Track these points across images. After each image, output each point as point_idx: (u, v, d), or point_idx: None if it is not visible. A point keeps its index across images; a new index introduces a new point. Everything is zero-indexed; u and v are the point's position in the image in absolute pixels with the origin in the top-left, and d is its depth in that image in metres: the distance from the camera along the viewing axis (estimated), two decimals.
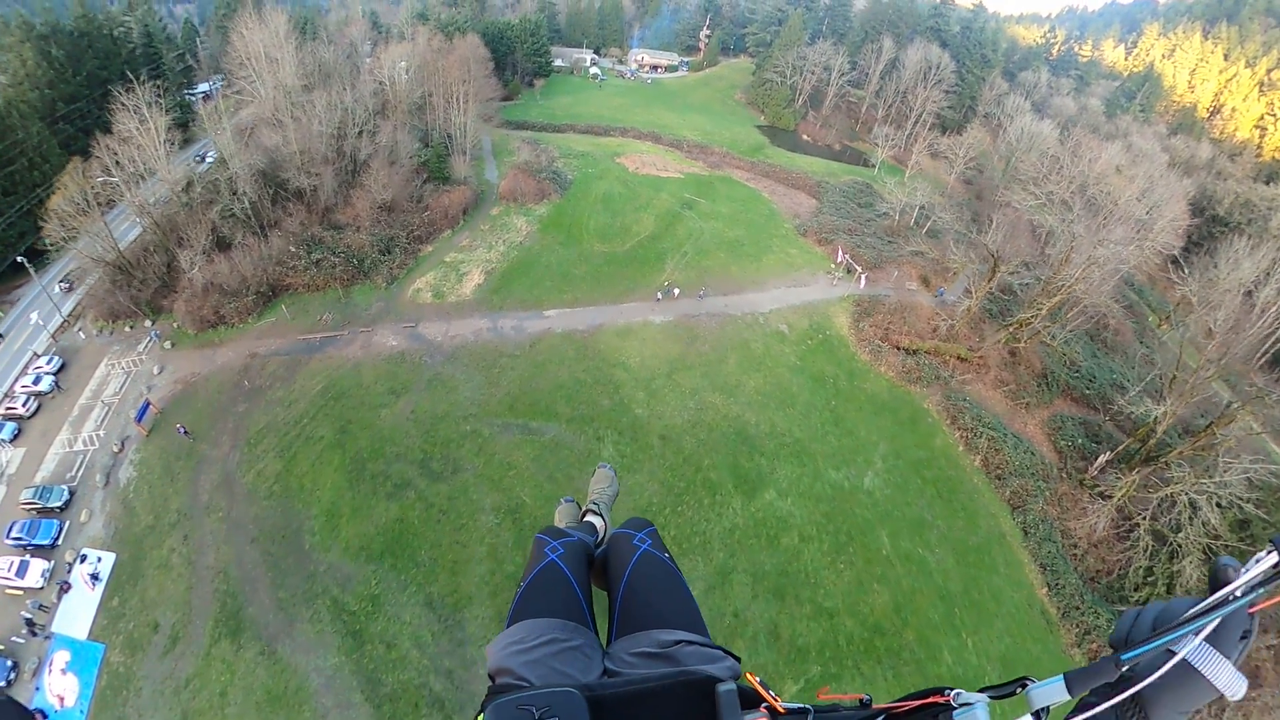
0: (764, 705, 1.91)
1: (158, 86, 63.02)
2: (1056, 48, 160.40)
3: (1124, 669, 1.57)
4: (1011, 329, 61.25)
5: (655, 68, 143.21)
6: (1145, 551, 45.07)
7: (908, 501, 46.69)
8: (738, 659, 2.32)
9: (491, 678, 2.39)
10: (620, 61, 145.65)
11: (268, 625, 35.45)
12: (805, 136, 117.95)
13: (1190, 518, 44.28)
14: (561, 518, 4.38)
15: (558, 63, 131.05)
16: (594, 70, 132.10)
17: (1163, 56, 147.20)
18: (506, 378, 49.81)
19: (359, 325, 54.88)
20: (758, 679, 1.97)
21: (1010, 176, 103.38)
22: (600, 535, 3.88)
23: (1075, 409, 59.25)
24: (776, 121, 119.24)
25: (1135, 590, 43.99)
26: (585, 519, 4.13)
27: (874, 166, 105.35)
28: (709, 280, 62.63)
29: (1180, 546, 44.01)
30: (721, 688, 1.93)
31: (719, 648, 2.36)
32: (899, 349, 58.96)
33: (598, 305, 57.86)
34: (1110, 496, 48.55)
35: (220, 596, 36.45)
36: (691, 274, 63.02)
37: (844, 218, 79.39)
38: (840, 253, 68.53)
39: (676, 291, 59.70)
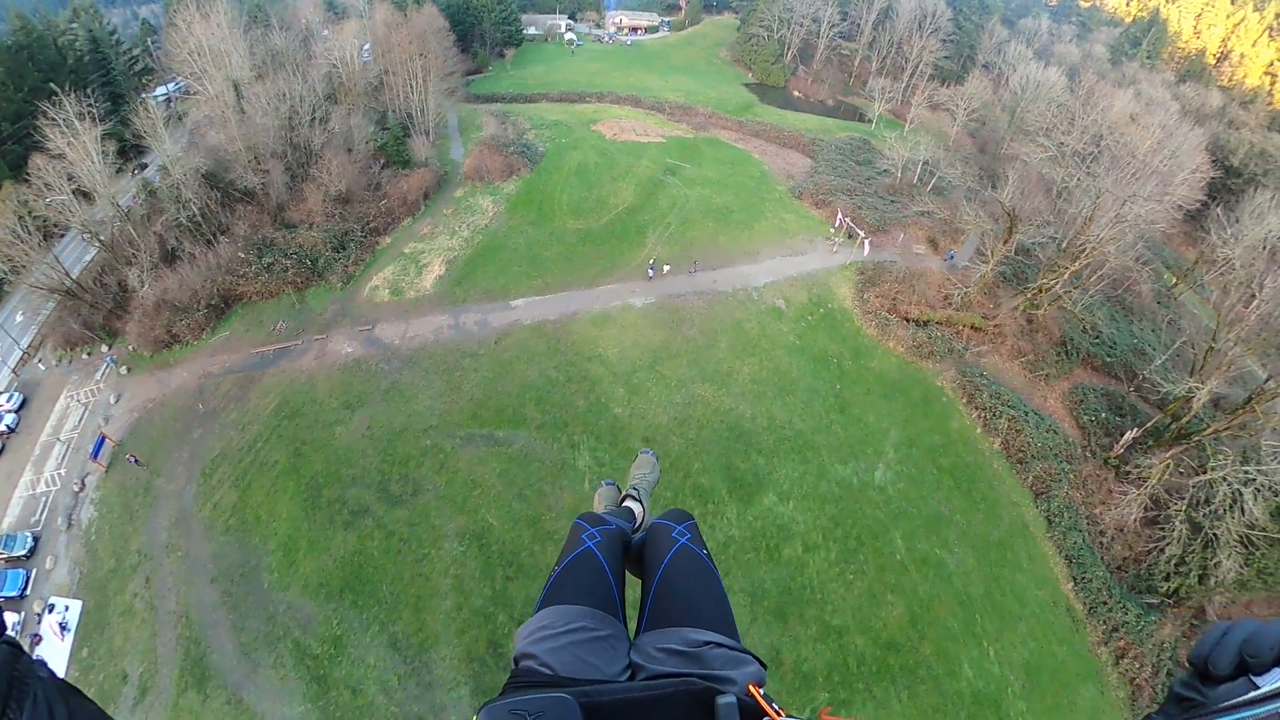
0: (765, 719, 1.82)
1: (90, 95, 57.72)
2: None
3: None
4: (1030, 295, 55.06)
5: (635, 30, 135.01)
6: (1179, 540, 40.27)
7: (924, 496, 41.54)
8: (764, 665, 2.18)
9: (515, 661, 2.24)
10: (598, 25, 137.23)
11: (232, 672, 32.58)
12: (796, 93, 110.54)
13: (1231, 506, 39.35)
14: (601, 500, 4.15)
15: (530, 30, 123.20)
16: (569, 36, 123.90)
17: (1167, 1, 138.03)
18: (469, 381, 44.41)
19: (313, 332, 49.80)
20: (761, 692, 1.90)
21: (1017, 128, 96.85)
22: (638, 521, 3.73)
23: (1097, 379, 54.07)
24: (765, 79, 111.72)
25: (1165, 580, 39.84)
26: (624, 504, 3.96)
27: (871, 121, 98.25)
28: (695, 253, 56.35)
29: (1216, 536, 39.22)
30: (721, 700, 1.81)
31: (747, 652, 2.22)
32: (908, 321, 53.12)
33: (571, 290, 51.83)
34: (1139, 478, 43.68)
35: (184, 643, 33.59)
36: (676, 248, 56.69)
37: (842, 177, 72.57)
38: (840, 216, 61.94)
39: (666, 269, 53.27)
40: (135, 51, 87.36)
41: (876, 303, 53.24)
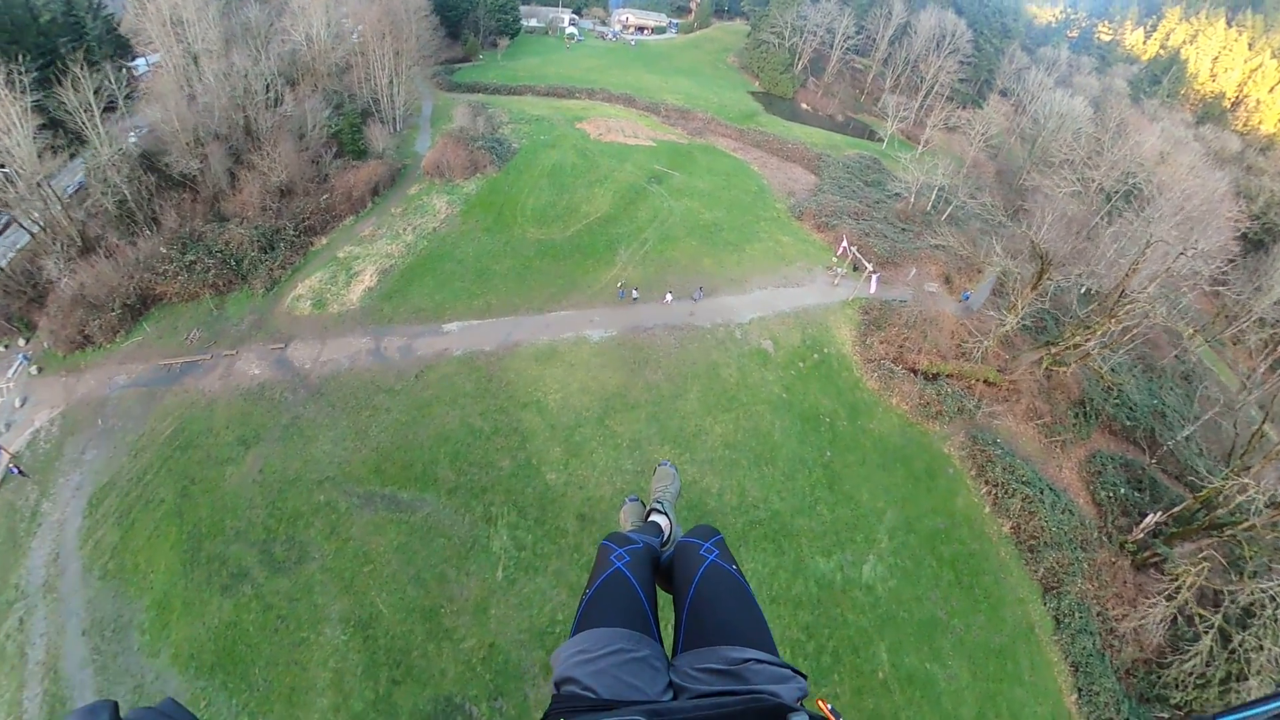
0: None
1: (59, 61, 51.84)
2: (1078, 25, 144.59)
3: None
4: (1056, 351, 46.43)
5: (641, 29, 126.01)
6: (1204, 655, 33.21)
7: (919, 596, 33.61)
8: (804, 676, 2.10)
9: (556, 686, 2.16)
10: (603, 23, 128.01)
11: None
12: (805, 105, 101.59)
13: (1274, 628, 32.35)
14: (627, 517, 4.10)
15: (531, 22, 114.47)
16: (570, 30, 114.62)
17: (1184, 42, 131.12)
18: (379, 424, 36.07)
19: (225, 346, 41.95)
20: (828, 705, 1.82)
21: (1038, 158, 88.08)
22: (665, 535, 3.53)
23: (1115, 444, 46.46)
24: (773, 88, 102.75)
25: (1178, 689, 33.18)
26: (650, 518, 3.81)
27: (882, 140, 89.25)
28: (672, 277, 46.93)
29: (1249, 660, 32.38)
30: (794, 717, 1.72)
31: (788, 666, 2.11)
32: (915, 373, 44.68)
33: (517, 315, 42.86)
34: (1158, 569, 37.41)
35: (49, 700, 28.32)
36: (650, 269, 47.71)
37: (848, 198, 63.55)
38: (845, 244, 52.84)
39: (635, 293, 43.99)
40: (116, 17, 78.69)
41: (881, 349, 44.32)
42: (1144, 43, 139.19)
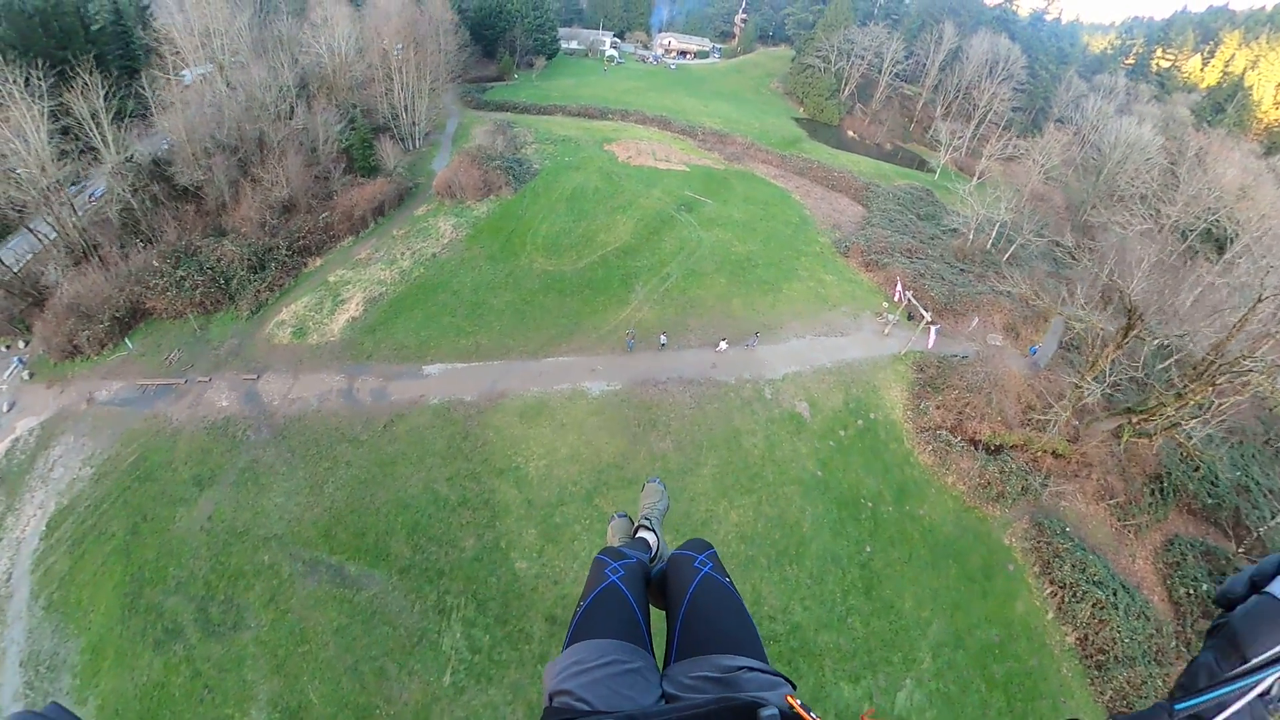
0: None
1: (109, 70, 51.46)
2: (1135, 51, 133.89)
3: (1179, 718, 1.50)
4: (1137, 420, 37.85)
5: (684, 53, 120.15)
6: None
7: None
8: (794, 685, 2.05)
9: (550, 698, 2.09)
10: (645, 46, 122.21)
11: None
12: (851, 133, 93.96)
13: None
14: (615, 533, 3.93)
15: (572, 45, 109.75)
16: (610, 53, 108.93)
17: (1246, 68, 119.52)
18: (336, 479, 30.55)
19: (201, 371, 37.52)
20: (799, 702, 1.79)
21: (1104, 191, 78.71)
22: (654, 551, 3.48)
23: (1194, 526, 37.76)
24: (818, 115, 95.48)
25: None
26: (637, 535, 3.69)
27: (934, 171, 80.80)
28: (694, 319, 39.64)
29: None
30: (764, 712, 1.67)
31: (779, 674, 2.09)
32: (975, 444, 36.62)
33: (507, 358, 36.37)
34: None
35: None
36: (669, 310, 40.60)
37: (900, 232, 55.60)
38: (899, 288, 44.79)
39: (663, 338, 37.32)
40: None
41: (937, 416, 36.44)
42: (1201, 69, 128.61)
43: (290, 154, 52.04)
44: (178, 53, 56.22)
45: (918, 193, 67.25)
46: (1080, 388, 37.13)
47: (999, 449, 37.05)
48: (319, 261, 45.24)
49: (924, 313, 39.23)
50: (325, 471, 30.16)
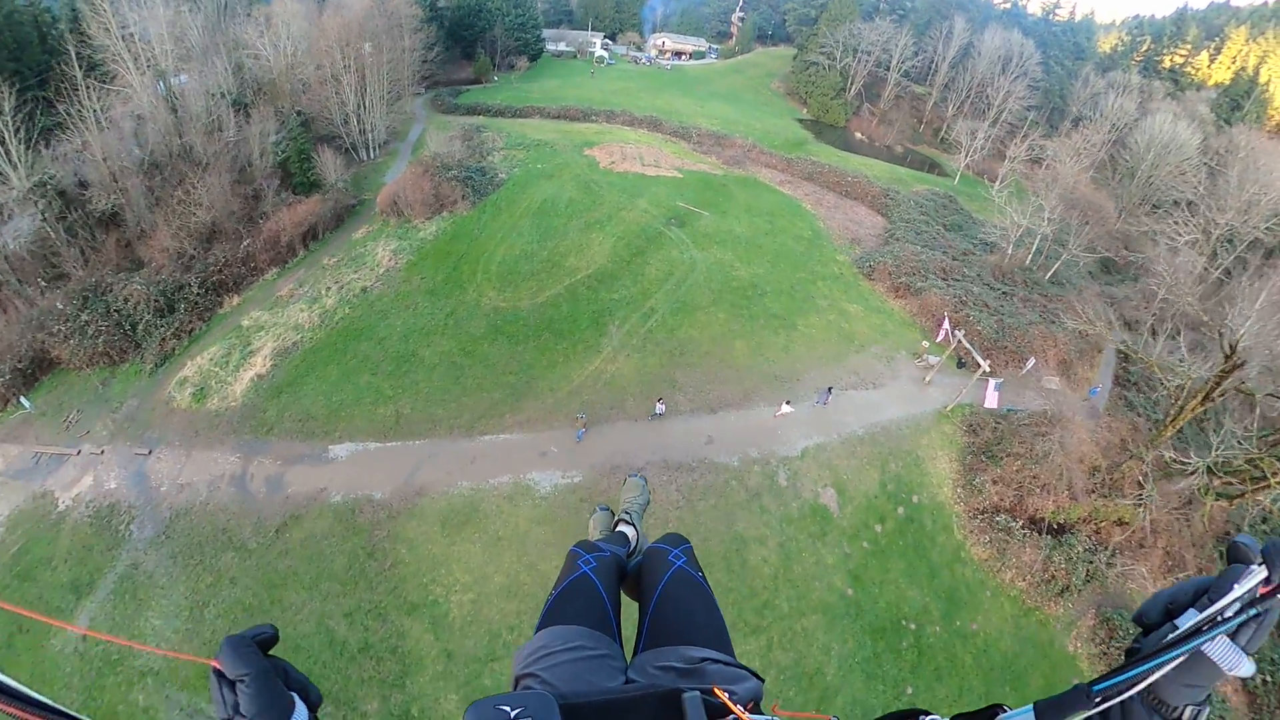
0: (731, 717, 1.71)
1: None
2: (1145, 49, 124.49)
3: (1097, 699, 1.44)
4: (1222, 482, 29.15)
5: (678, 54, 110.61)
6: None
7: None
8: (761, 679, 2.05)
9: (516, 683, 2.11)
10: (638, 48, 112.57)
11: None
12: (859, 135, 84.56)
13: None
14: (595, 526, 3.94)
15: (560, 46, 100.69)
16: (600, 53, 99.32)
17: (1255, 64, 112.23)
18: (219, 602, 22.51)
19: (97, 440, 29.34)
20: (726, 694, 1.72)
21: (1139, 197, 69.22)
22: (632, 545, 3.49)
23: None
24: (822, 115, 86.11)
25: None
26: (617, 528, 3.72)
27: (951, 174, 71.33)
28: (685, 372, 30.02)
29: None
30: (686, 695, 1.70)
31: (744, 667, 2.08)
32: (1037, 526, 27.88)
33: (434, 436, 26.83)
34: None
35: None
36: (653, 358, 31.11)
37: (928, 246, 46.28)
38: (946, 325, 34.26)
39: (660, 407, 27.48)
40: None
41: (994, 495, 27.48)
42: (1209, 66, 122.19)
43: (217, 170, 43.25)
44: (113, 59, 47.33)
45: (940, 199, 57.73)
46: (1184, 465, 27.91)
47: (1062, 528, 28.31)
48: (236, 300, 36.56)
49: (980, 361, 29.36)
50: (208, 590, 21.84)
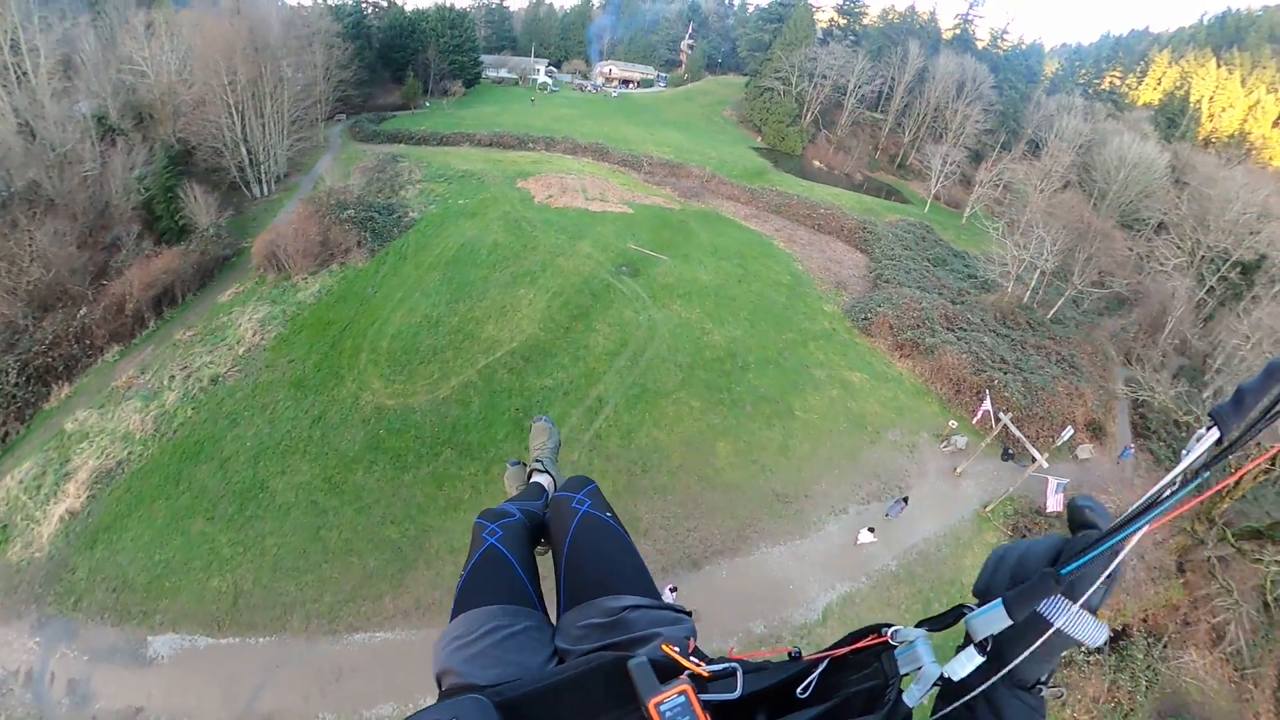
0: (685, 673, 1.54)
1: None
2: (1083, 72, 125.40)
3: (1066, 581, 1.32)
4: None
5: (626, 82, 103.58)
6: None
7: None
8: (688, 614, 1.92)
9: (438, 681, 1.93)
10: (584, 76, 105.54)
11: None
12: (816, 163, 78.86)
13: None
14: (510, 482, 3.47)
15: (501, 73, 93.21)
16: (542, 79, 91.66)
17: (1176, 86, 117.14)
18: None
19: None
20: (675, 648, 1.59)
21: (1118, 219, 65.10)
22: (550, 494, 3.07)
23: None
24: (778, 143, 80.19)
25: None
26: (531, 480, 3.29)
27: (914, 202, 66.18)
28: (646, 500, 21.14)
29: None
30: (632, 663, 1.53)
31: (671, 607, 1.94)
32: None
33: (284, 633, 17.67)
34: None
35: None
36: (603, 481, 23.04)
37: (923, 288, 38.93)
38: (987, 403, 25.59)
39: (673, 591, 18.87)
40: None
41: None
42: (1137, 88, 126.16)
43: (67, 214, 33.78)
44: None
45: (918, 230, 51.43)
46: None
47: (1121, 634, 22.52)
48: (66, 391, 26.88)
49: (1036, 455, 21.45)
50: None
